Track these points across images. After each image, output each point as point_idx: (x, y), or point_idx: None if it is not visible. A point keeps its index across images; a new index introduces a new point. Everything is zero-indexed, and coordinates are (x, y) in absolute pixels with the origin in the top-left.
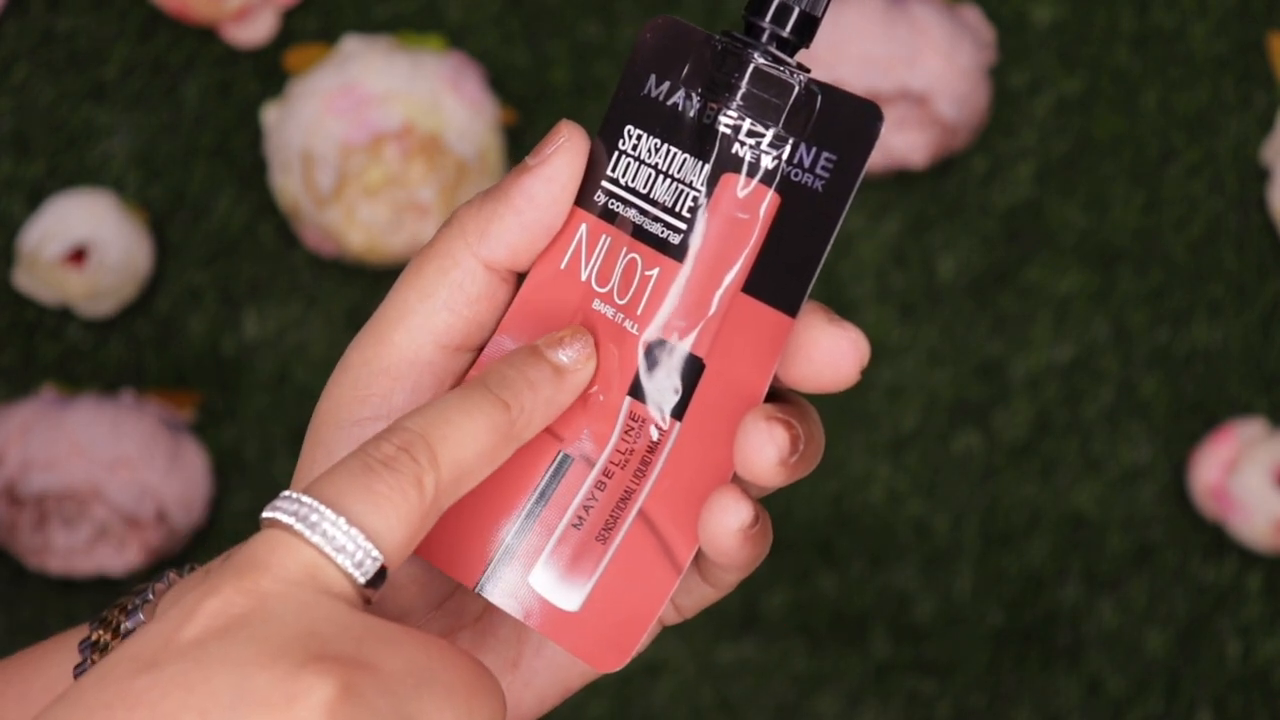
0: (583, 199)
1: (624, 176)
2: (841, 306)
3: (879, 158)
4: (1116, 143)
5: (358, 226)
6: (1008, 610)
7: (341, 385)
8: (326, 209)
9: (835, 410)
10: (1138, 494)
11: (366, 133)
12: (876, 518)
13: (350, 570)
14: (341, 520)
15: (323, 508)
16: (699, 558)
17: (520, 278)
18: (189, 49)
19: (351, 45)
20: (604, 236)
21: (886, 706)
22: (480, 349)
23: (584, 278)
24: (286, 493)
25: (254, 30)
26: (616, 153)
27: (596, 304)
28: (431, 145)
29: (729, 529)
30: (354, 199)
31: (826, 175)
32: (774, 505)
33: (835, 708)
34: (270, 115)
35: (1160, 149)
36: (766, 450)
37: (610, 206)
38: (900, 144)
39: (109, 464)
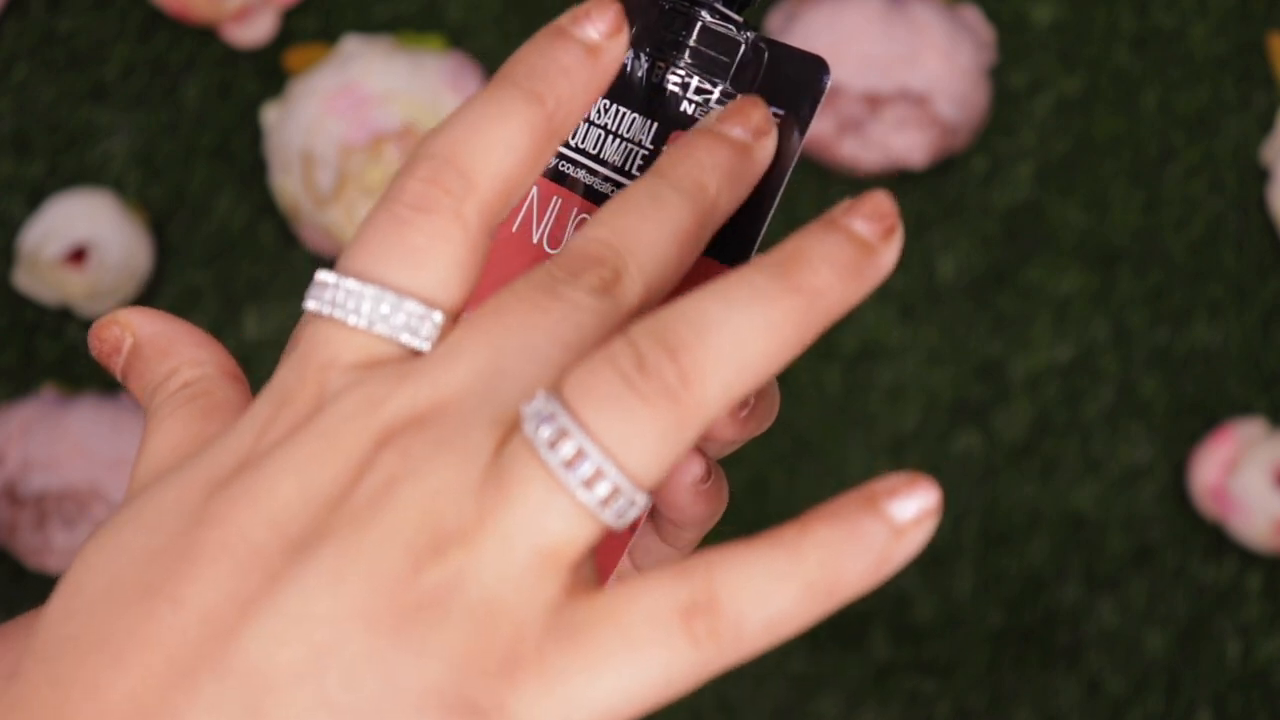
0: None
1: (574, 138)
2: None
3: (878, 157)
4: (1116, 143)
5: (357, 226)
6: (1008, 610)
7: None
8: (326, 209)
9: (835, 410)
10: (1138, 494)
11: (366, 133)
12: None
13: (410, 343)
14: (386, 293)
15: (361, 285)
16: (657, 518)
17: None
18: (189, 49)
19: (351, 45)
20: (555, 198)
21: (886, 707)
22: None
23: (536, 240)
24: (320, 275)
25: (254, 30)
26: None
27: None
28: None
29: (682, 484)
30: (354, 199)
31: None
32: (774, 506)
33: (835, 708)
34: (270, 115)
35: (1160, 149)
36: None
37: (560, 168)
38: (900, 144)
39: (109, 464)
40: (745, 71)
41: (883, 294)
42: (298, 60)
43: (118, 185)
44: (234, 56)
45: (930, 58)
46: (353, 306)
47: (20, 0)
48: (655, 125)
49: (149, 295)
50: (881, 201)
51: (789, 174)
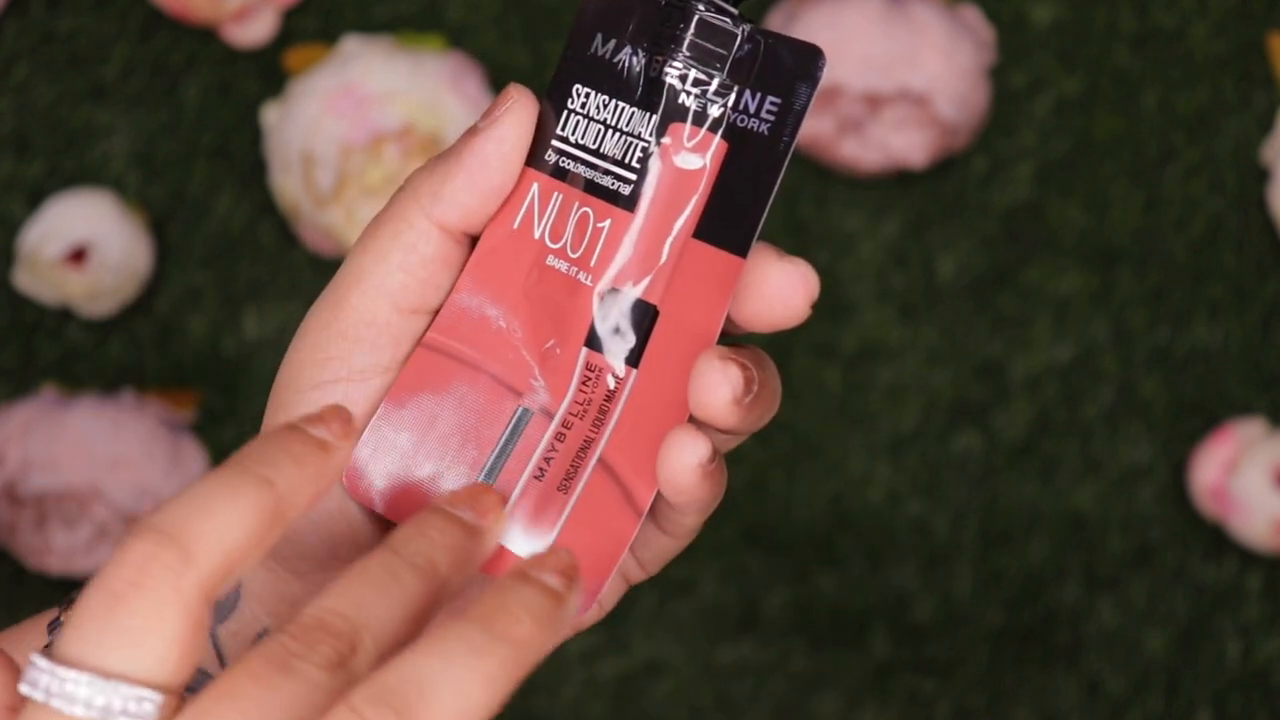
0: (534, 159)
1: (573, 134)
2: (841, 306)
3: (878, 157)
4: (1116, 143)
5: (358, 226)
6: (1007, 610)
7: (301, 350)
8: (326, 209)
9: (835, 410)
10: (1138, 494)
11: (366, 133)
12: (876, 518)
13: None
14: (100, 680)
15: (72, 673)
16: (657, 506)
17: (474, 239)
18: (189, 49)
19: (351, 45)
20: (556, 194)
21: (886, 706)
22: (436, 311)
23: (537, 235)
24: (35, 658)
25: (254, 30)
26: (565, 112)
27: (550, 260)
28: (431, 145)
29: (687, 465)
30: (354, 199)
31: (771, 119)
32: (774, 506)
33: (835, 708)
34: (270, 115)
35: (1160, 149)
36: (721, 389)
37: (561, 164)
38: (900, 144)
39: (109, 464)
40: (742, 63)
41: (883, 294)
42: (298, 60)
43: (118, 185)
44: (234, 56)
45: (930, 58)
46: (68, 695)
47: (20, 0)
48: (654, 118)
49: (149, 295)
50: (565, 557)
51: (786, 162)
